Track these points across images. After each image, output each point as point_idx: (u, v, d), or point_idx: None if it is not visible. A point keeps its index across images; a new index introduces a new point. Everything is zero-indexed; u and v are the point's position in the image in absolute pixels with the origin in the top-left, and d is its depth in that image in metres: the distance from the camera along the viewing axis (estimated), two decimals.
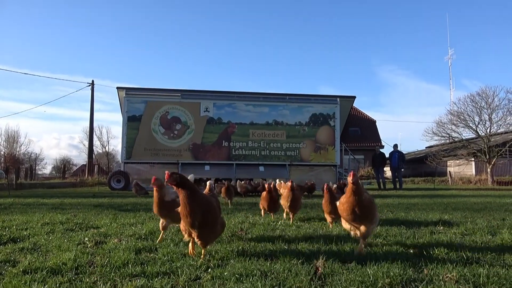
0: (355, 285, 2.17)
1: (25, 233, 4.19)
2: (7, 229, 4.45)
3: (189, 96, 18.73)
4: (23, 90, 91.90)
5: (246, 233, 4.23)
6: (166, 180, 2.80)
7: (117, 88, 18.47)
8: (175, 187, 2.82)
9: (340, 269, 2.52)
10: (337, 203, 3.40)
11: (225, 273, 2.39)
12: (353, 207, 3.08)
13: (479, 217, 5.65)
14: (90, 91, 31.71)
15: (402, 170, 19.52)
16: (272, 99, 19.29)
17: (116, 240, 3.67)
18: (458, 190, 17.76)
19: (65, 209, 7.04)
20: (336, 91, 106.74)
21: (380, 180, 19.50)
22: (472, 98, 27.11)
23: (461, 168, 30.32)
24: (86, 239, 3.68)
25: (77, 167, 54.10)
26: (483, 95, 26.61)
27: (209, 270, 2.52)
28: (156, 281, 2.26)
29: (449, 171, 29.16)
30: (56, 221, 5.08)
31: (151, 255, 3.03)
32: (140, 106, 18.17)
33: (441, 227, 4.55)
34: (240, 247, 3.22)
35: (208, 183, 3.63)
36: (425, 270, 2.54)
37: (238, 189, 11.80)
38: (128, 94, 18.16)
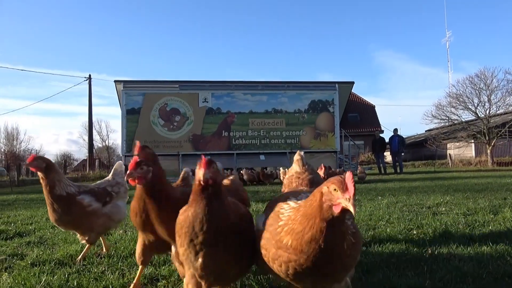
0: (360, 266, 2.20)
1: (30, 227, 4.22)
2: (12, 224, 4.48)
3: (187, 87, 18.66)
4: (19, 86, 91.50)
5: None
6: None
7: (115, 81, 18.39)
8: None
9: None
10: None
11: None
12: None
13: (480, 197, 5.68)
14: (88, 86, 31.62)
15: (403, 154, 19.55)
16: (270, 87, 19.22)
17: (121, 232, 3.70)
18: (459, 172, 17.81)
19: None
20: (334, 77, 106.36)
21: (381, 164, 19.53)
22: (470, 80, 27.02)
23: (461, 151, 30.36)
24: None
25: (78, 162, 54.16)
26: (482, 77, 26.52)
27: None
28: (163, 269, 2.29)
29: (449, 154, 29.22)
30: None
31: None
32: (138, 98, 18.11)
33: (443, 208, 4.58)
34: None
35: (184, 170, 2.80)
36: (429, 249, 2.56)
37: (244, 177, 12.50)
38: (126, 87, 18.08)
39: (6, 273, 2.34)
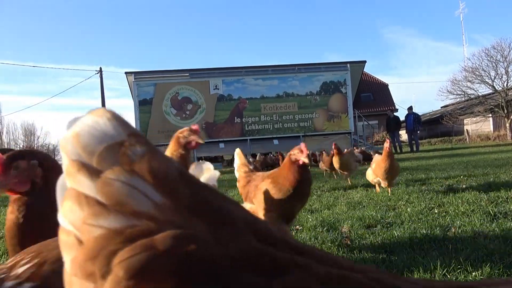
0: (383, 247, 2.17)
1: None
2: None
3: (197, 75, 18.63)
4: (32, 83, 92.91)
5: None
6: None
7: (126, 73, 18.47)
8: None
9: (366, 234, 2.51)
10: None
11: None
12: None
13: (501, 172, 5.56)
14: (99, 79, 31.85)
15: (418, 132, 19.25)
16: (281, 71, 19.04)
17: None
18: (477, 147, 17.49)
19: None
20: (342, 57, 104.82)
21: (396, 144, 19.30)
22: (487, 52, 26.28)
23: (478, 126, 29.77)
24: None
25: None
26: (499, 48, 25.77)
27: None
28: None
29: (466, 130, 28.68)
30: None
31: None
32: (149, 89, 18.18)
33: (464, 185, 4.50)
34: None
35: None
36: (452, 228, 2.52)
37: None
38: (137, 78, 18.15)
39: None
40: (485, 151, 13.74)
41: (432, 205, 3.43)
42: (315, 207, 3.79)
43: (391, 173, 4.15)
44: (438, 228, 2.54)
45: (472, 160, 8.64)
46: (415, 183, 5.04)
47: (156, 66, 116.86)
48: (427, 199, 3.79)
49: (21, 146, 47.82)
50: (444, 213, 3.05)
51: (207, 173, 1.79)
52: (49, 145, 50.28)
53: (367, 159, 11.16)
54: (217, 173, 1.67)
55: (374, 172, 4.34)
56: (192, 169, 1.77)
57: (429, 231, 2.43)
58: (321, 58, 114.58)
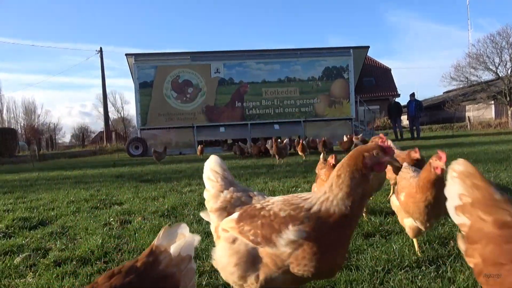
0: (381, 264, 2.17)
1: (52, 213, 4.32)
2: (35, 210, 4.59)
3: (198, 58, 18.43)
4: (30, 61, 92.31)
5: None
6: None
7: (126, 54, 18.25)
8: None
9: (364, 245, 2.51)
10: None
11: None
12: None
13: (502, 169, 5.55)
14: (100, 59, 31.55)
15: (420, 118, 19.18)
16: (283, 55, 18.82)
17: (140, 218, 3.74)
18: (478, 136, 17.46)
19: (88, 182, 7.21)
20: (345, 40, 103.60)
21: (397, 129, 19.27)
22: (492, 38, 25.95)
23: (480, 112, 29.64)
24: (111, 219, 3.77)
25: (95, 134, 55.03)
26: (504, 34, 25.43)
27: None
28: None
29: (468, 117, 28.56)
30: (81, 198, 5.21)
31: None
32: (150, 71, 18.03)
33: None
34: None
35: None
36: (451, 241, 2.51)
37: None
38: (138, 60, 17.98)
39: (31, 273, 2.40)
40: (486, 140, 13.71)
41: None
42: None
43: (437, 211, 2.18)
44: (436, 241, 2.54)
45: (473, 152, 8.61)
46: None
47: (157, 46, 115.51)
48: None
49: (21, 124, 47.80)
50: (443, 220, 3.04)
51: (180, 240, 1.18)
52: (49, 123, 50.24)
53: None
54: (195, 240, 1.20)
55: (405, 208, 2.30)
56: (161, 235, 1.18)
57: (423, 248, 2.42)
58: (323, 41, 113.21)
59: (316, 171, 3.48)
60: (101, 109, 38.30)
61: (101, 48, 31.63)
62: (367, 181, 1.43)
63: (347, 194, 1.38)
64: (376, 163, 1.44)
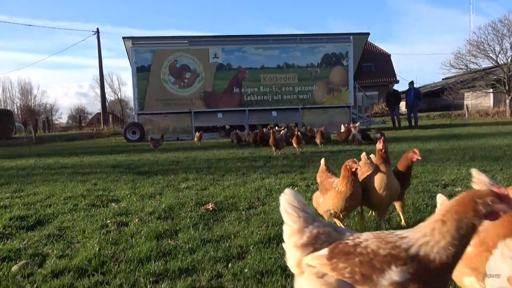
0: None
1: (49, 211, 4.33)
2: (32, 206, 4.61)
3: (197, 43, 18.23)
4: (24, 39, 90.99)
5: (263, 203, 4.29)
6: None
7: (123, 38, 17.99)
8: None
9: None
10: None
11: (246, 270, 2.44)
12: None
13: (498, 170, 5.59)
14: (96, 40, 31.10)
15: (418, 107, 19.18)
16: (282, 41, 18.63)
17: (136, 220, 3.76)
18: (475, 126, 17.49)
19: (85, 173, 7.22)
20: (346, 23, 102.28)
21: (395, 118, 19.29)
22: (493, 26, 25.71)
23: (478, 101, 29.62)
24: (108, 221, 3.78)
25: (92, 115, 54.78)
26: (506, 22, 25.19)
27: (229, 265, 2.58)
28: (179, 283, 2.33)
29: (466, 105, 28.54)
30: (78, 193, 5.22)
31: (172, 242, 3.10)
32: (148, 55, 17.84)
33: (459, 188, 4.53)
34: (258, 232, 3.25)
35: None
36: None
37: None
38: (135, 44, 17.76)
39: (29, 284, 2.42)
40: (484, 131, 13.75)
41: (426, 214, 3.44)
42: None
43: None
44: None
45: (470, 147, 8.65)
46: (411, 179, 5.07)
47: (154, 27, 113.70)
48: (422, 204, 3.81)
49: (17, 104, 47.47)
50: None
51: None
52: (46, 104, 49.90)
53: (366, 138, 11.14)
54: None
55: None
56: None
57: None
58: (324, 24, 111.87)
59: (318, 179, 3.44)
60: (98, 90, 38.05)
61: (98, 29, 31.18)
62: (475, 232, 1.35)
63: (450, 244, 1.31)
64: (490, 211, 1.33)
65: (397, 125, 19.05)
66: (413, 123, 18.86)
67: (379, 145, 2.93)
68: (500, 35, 25.40)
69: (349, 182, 2.91)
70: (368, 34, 19.55)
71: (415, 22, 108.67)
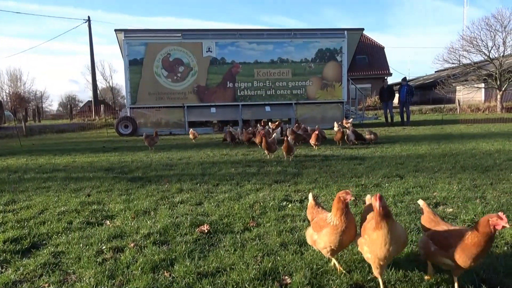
0: None
1: (43, 230, 4.33)
2: (26, 224, 4.59)
3: (190, 36, 18.03)
4: (12, 24, 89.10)
5: (258, 224, 4.32)
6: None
7: (115, 30, 17.71)
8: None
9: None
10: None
11: None
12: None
13: (488, 184, 5.68)
14: (88, 28, 30.55)
15: (409, 103, 19.30)
16: (276, 36, 18.51)
17: (132, 245, 3.77)
18: (467, 123, 17.68)
19: (78, 180, 7.19)
20: (339, 13, 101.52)
21: (388, 114, 19.42)
22: (486, 21, 25.81)
23: (470, 95, 29.86)
24: (104, 246, 3.79)
25: (83, 103, 54.15)
26: (499, 17, 25.28)
27: None
28: None
29: (458, 100, 28.75)
30: (71, 208, 5.20)
31: (169, 276, 3.13)
32: (140, 48, 17.63)
33: (451, 209, 4.59)
34: (254, 266, 3.27)
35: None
36: (425, 276, 2.61)
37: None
38: (128, 37, 17.53)
39: None
40: (475, 131, 13.93)
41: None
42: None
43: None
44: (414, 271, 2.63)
45: (461, 153, 8.76)
46: (403, 197, 5.14)
47: (146, 12, 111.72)
48: (414, 230, 3.86)
49: (6, 92, 46.69)
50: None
51: None
52: (36, 91, 49.18)
53: (360, 138, 11.22)
54: None
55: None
56: None
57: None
58: (317, 14, 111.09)
59: (308, 216, 3.44)
60: (89, 77, 37.60)
61: (89, 17, 30.64)
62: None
63: None
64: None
65: (389, 120, 19.18)
66: (405, 119, 19.00)
67: (375, 203, 2.53)
68: (493, 30, 25.52)
69: (343, 215, 2.93)
70: (362, 29, 19.49)
71: (409, 13, 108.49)
